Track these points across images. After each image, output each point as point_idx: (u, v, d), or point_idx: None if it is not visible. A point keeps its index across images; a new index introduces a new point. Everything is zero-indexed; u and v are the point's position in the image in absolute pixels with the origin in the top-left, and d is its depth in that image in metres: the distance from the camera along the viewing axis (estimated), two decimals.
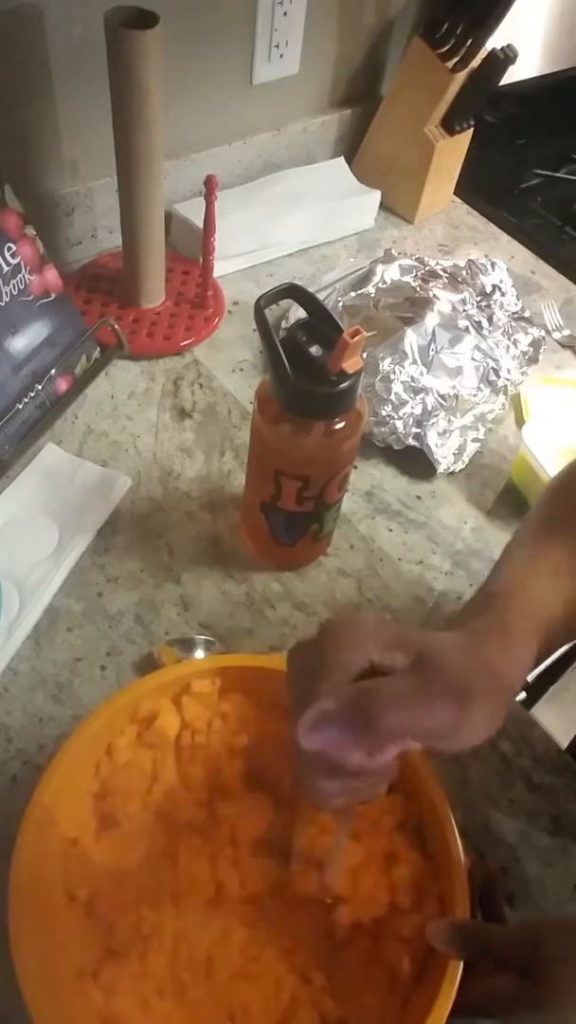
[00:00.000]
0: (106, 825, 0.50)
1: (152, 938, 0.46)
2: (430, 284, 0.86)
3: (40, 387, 0.75)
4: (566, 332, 0.96)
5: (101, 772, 0.51)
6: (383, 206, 1.07)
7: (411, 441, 0.77)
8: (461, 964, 0.43)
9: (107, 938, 0.46)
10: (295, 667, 0.40)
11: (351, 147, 1.10)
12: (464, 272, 0.91)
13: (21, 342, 0.74)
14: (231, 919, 0.48)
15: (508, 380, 0.83)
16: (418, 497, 0.78)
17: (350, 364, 0.53)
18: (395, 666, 0.37)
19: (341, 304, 0.86)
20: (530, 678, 0.90)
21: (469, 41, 0.90)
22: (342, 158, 1.08)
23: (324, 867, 0.46)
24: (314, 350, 0.54)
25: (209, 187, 0.78)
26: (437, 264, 0.91)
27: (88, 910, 0.48)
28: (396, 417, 0.77)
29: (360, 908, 0.47)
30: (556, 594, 0.43)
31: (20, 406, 0.74)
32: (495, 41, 0.91)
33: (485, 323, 0.86)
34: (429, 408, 0.77)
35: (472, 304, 0.87)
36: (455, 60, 0.93)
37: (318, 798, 0.39)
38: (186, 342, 0.87)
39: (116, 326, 0.82)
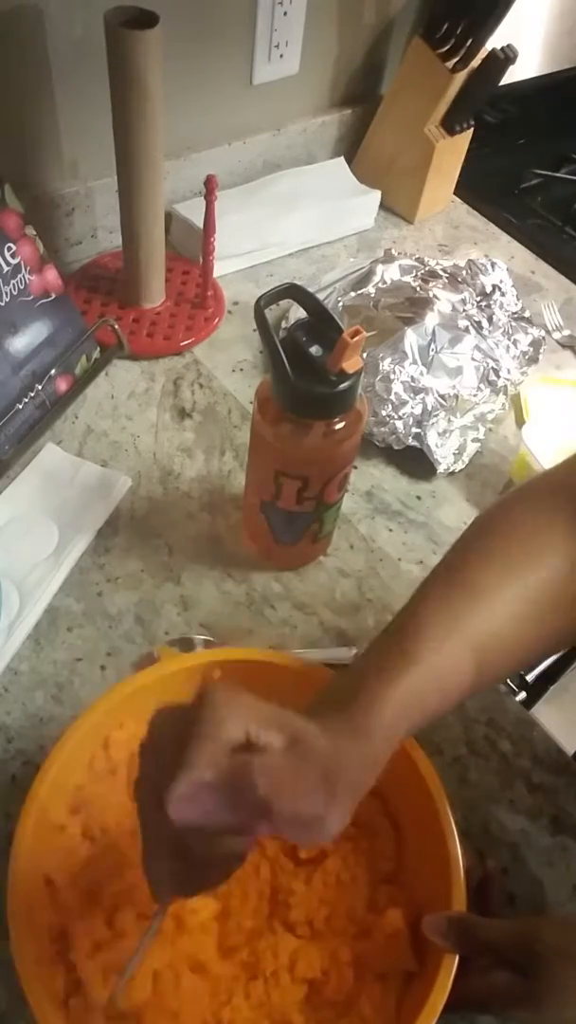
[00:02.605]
0: (86, 835, 0.50)
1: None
2: (430, 284, 0.86)
3: (40, 387, 0.75)
4: (566, 332, 0.96)
5: (95, 767, 0.51)
6: (383, 206, 1.07)
7: (411, 441, 0.77)
8: (456, 958, 0.43)
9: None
10: (161, 733, 0.37)
11: (351, 147, 1.10)
12: (464, 272, 0.91)
13: (21, 342, 0.74)
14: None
15: (508, 380, 0.83)
16: (418, 497, 0.78)
17: (350, 364, 0.53)
18: (270, 744, 0.35)
19: (341, 304, 0.86)
20: (530, 678, 0.90)
21: (469, 41, 0.90)
22: (342, 158, 1.08)
23: (117, 978, 0.42)
24: (314, 350, 0.54)
25: (209, 187, 0.78)
26: (437, 264, 0.91)
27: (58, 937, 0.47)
28: (396, 417, 0.77)
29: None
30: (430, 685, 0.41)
31: (20, 406, 0.74)
32: (495, 41, 0.91)
33: (485, 323, 0.86)
34: (429, 408, 0.77)
35: (472, 304, 0.87)
36: (455, 60, 0.93)
37: (156, 882, 0.37)
38: (186, 342, 0.87)
39: (116, 326, 0.81)
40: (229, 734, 0.34)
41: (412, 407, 0.77)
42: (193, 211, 0.92)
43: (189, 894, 0.40)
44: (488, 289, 0.89)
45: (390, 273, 0.88)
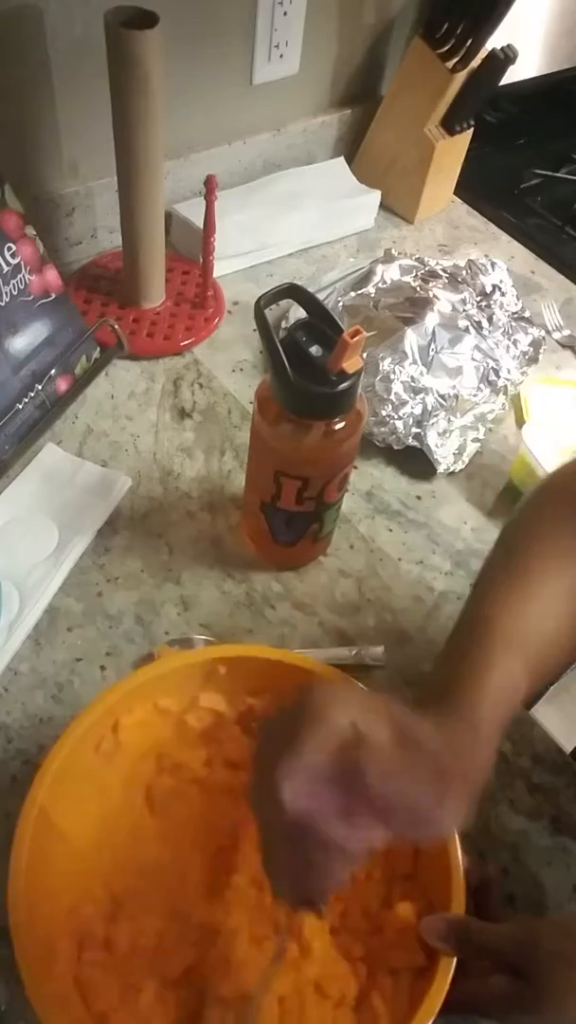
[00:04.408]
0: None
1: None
2: (430, 284, 0.86)
3: (40, 387, 0.75)
4: (566, 332, 0.96)
5: (102, 748, 0.52)
6: (383, 206, 1.07)
7: (411, 441, 0.77)
8: (454, 961, 0.43)
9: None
10: (270, 734, 0.37)
11: (351, 147, 1.10)
12: (464, 272, 0.91)
13: (21, 342, 0.74)
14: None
15: (508, 380, 0.83)
16: (418, 497, 0.78)
17: (350, 364, 0.53)
18: (377, 735, 0.35)
19: (341, 304, 0.86)
20: None
21: (469, 41, 0.90)
22: (342, 158, 1.08)
23: (247, 1003, 0.42)
24: (314, 350, 0.54)
25: (209, 187, 0.78)
26: (437, 264, 0.91)
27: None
28: (396, 417, 0.77)
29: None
30: (519, 668, 0.43)
31: (20, 406, 0.74)
32: (495, 41, 0.91)
33: (485, 323, 0.86)
34: (429, 408, 0.77)
35: (472, 304, 0.87)
36: (455, 60, 0.93)
37: (281, 883, 0.37)
38: (186, 342, 0.87)
39: (116, 326, 0.81)
40: (336, 721, 0.34)
41: (412, 407, 0.77)
42: (193, 211, 0.92)
43: (306, 894, 0.39)
44: (488, 289, 0.89)
45: (390, 273, 0.88)
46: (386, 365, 0.78)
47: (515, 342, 0.87)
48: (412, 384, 0.78)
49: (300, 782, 0.32)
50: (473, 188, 1.13)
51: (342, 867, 0.37)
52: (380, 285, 0.87)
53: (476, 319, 0.85)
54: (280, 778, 0.32)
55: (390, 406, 0.77)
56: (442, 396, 0.78)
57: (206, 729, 0.55)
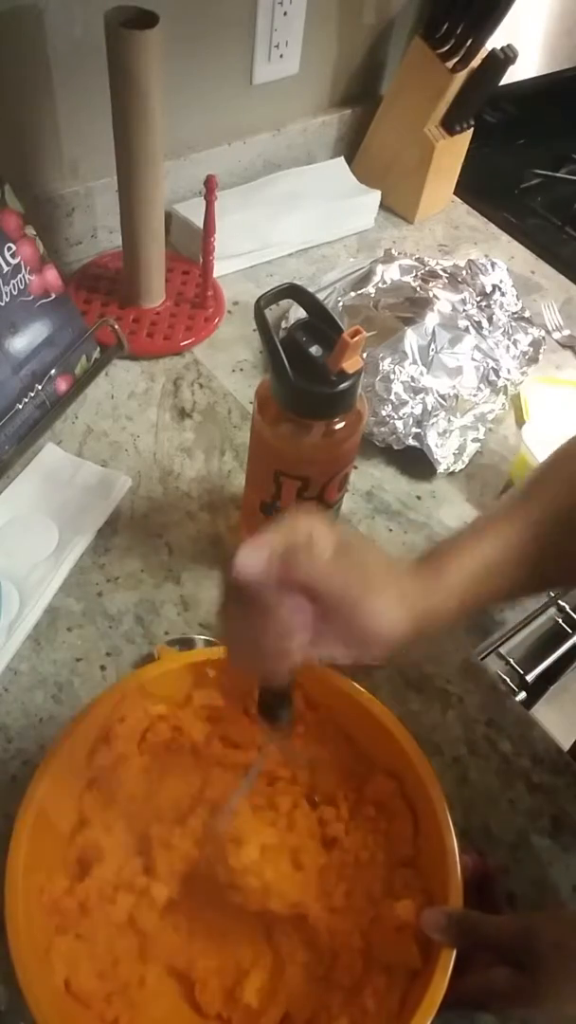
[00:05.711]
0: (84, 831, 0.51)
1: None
2: (430, 284, 0.86)
3: (40, 387, 0.75)
4: (566, 332, 0.96)
5: (96, 760, 0.52)
6: (383, 206, 1.07)
7: (411, 441, 0.77)
8: (453, 953, 0.43)
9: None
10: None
11: (351, 147, 1.10)
12: (464, 272, 0.91)
13: (21, 342, 0.74)
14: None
15: (508, 380, 0.83)
16: (418, 497, 0.78)
17: (350, 364, 0.53)
18: (324, 542, 0.40)
19: (341, 304, 0.86)
20: (530, 678, 0.90)
21: (469, 41, 0.90)
22: (342, 158, 1.08)
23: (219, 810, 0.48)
24: (314, 350, 0.54)
25: (209, 187, 0.78)
26: (437, 264, 0.91)
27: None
28: (396, 417, 0.77)
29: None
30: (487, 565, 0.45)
31: (20, 406, 0.74)
32: (495, 41, 0.91)
33: (485, 323, 0.86)
34: (429, 408, 0.77)
35: (472, 304, 0.87)
36: (455, 60, 0.93)
37: (236, 651, 0.42)
38: (186, 342, 0.87)
39: (116, 326, 0.81)
40: (297, 529, 0.40)
41: (412, 407, 0.77)
42: (193, 211, 0.92)
43: (257, 667, 0.43)
44: (488, 289, 0.89)
45: (390, 273, 0.88)
46: (386, 365, 0.78)
47: (515, 342, 0.87)
48: (412, 384, 0.78)
49: (254, 552, 0.38)
50: (473, 188, 1.13)
51: (287, 646, 0.41)
52: (380, 285, 0.87)
53: (476, 319, 0.85)
54: (241, 549, 0.38)
55: (390, 406, 0.77)
56: (442, 396, 0.78)
57: (209, 714, 0.55)
